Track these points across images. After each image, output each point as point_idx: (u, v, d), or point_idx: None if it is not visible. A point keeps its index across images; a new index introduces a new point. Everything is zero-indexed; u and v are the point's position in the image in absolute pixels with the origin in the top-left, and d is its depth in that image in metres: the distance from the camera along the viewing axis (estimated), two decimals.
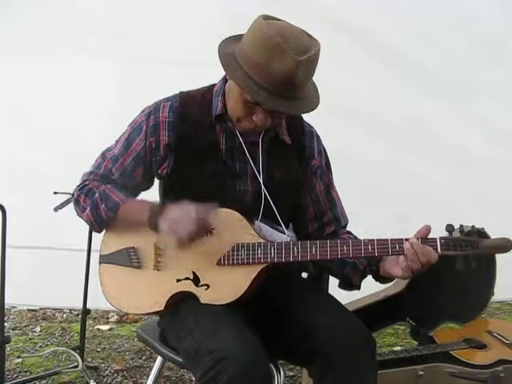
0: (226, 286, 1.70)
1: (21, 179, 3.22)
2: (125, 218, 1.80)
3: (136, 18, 3.26)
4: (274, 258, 1.68)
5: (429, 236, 1.64)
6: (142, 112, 1.87)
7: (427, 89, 3.56)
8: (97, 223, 1.83)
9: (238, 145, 1.82)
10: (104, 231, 1.86)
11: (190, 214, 1.63)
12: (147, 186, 1.92)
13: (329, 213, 1.94)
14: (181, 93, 1.88)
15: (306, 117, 1.93)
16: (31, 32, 3.20)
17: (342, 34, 3.35)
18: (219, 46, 1.71)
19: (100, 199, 1.80)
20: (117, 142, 1.89)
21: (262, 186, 1.80)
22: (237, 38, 1.74)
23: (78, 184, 1.88)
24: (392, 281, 1.83)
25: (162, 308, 1.75)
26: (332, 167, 1.99)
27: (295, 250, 1.68)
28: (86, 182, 1.86)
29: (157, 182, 1.93)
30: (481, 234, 1.67)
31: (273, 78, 1.60)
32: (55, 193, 2.47)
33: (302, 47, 1.60)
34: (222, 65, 1.69)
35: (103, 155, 1.89)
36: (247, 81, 1.62)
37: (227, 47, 1.71)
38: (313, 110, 1.69)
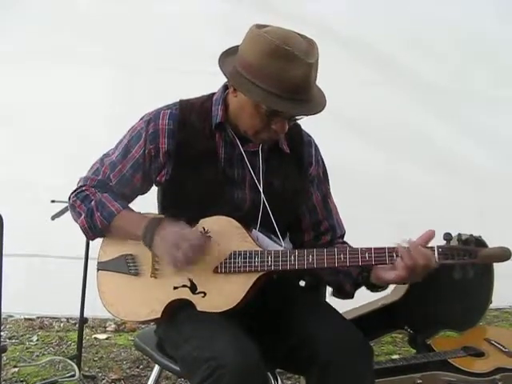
0: (222, 294, 1.70)
1: (18, 187, 3.21)
2: (119, 229, 1.80)
3: (135, 24, 3.28)
4: (271, 266, 1.68)
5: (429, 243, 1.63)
6: (142, 119, 1.86)
7: (425, 98, 3.57)
8: (91, 230, 1.82)
9: (237, 153, 1.82)
10: (100, 238, 1.86)
11: (188, 239, 1.67)
12: (144, 191, 1.92)
13: (325, 222, 1.93)
14: (180, 101, 1.88)
15: (304, 126, 1.94)
16: (31, 38, 3.21)
17: (341, 45, 3.37)
18: (221, 66, 1.71)
19: (96, 207, 1.79)
20: (115, 148, 1.89)
21: (262, 195, 1.80)
22: (230, 53, 1.75)
23: (74, 189, 1.88)
24: (383, 289, 1.78)
25: (159, 316, 1.74)
26: (331, 177, 1.98)
27: (292, 258, 1.67)
28: (83, 188, 1.85)
29: (154, 188, 1.92)
30: (479, 242, 1.66)
31: (288, 85, 1.62)
32: (53, 201, 2.48)
33: (307, 50, 1.64)
34: (235, 86, 1.71)
35: (101, 161, 1.89)
36: (263, 94, 1.63)
37: (227, 65, 1.71)
38: (325, 106, 1.71)
